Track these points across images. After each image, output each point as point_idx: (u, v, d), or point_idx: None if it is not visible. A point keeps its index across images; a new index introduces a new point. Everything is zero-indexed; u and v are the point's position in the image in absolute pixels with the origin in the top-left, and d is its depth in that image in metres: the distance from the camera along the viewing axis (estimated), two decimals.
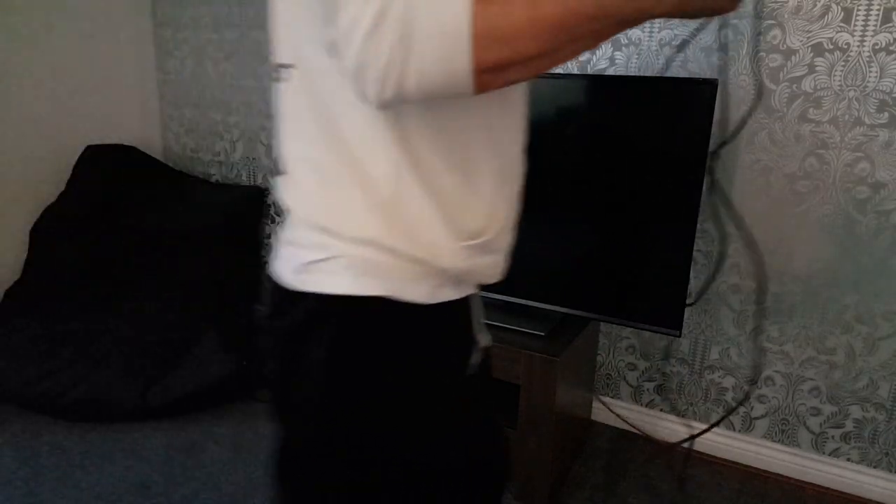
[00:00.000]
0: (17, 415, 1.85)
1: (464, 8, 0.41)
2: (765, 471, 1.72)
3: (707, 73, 1.57)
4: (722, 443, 1.77)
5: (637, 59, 1.65)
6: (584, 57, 1.71)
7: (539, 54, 0.45)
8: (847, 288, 1.55)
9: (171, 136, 2.62)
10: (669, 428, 1.83)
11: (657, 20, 1.59)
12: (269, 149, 2.37)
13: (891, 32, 1.39)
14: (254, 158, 2.41)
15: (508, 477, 0.70)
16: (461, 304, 0.59)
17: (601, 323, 1.79)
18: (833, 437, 1.64)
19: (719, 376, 1.74)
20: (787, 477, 1.70)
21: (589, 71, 1.71)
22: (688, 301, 1.71)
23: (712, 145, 1.57)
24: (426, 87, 0.43)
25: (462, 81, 0.43)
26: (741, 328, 1.69)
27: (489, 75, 0.44)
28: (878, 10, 1.38)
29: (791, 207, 1.56)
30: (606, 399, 1.92)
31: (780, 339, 1.65)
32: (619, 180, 1.45)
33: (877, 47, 1.40)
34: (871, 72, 1.42)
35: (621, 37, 1.65)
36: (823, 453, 1.66)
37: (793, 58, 1.48)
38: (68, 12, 2.25)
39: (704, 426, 1.78)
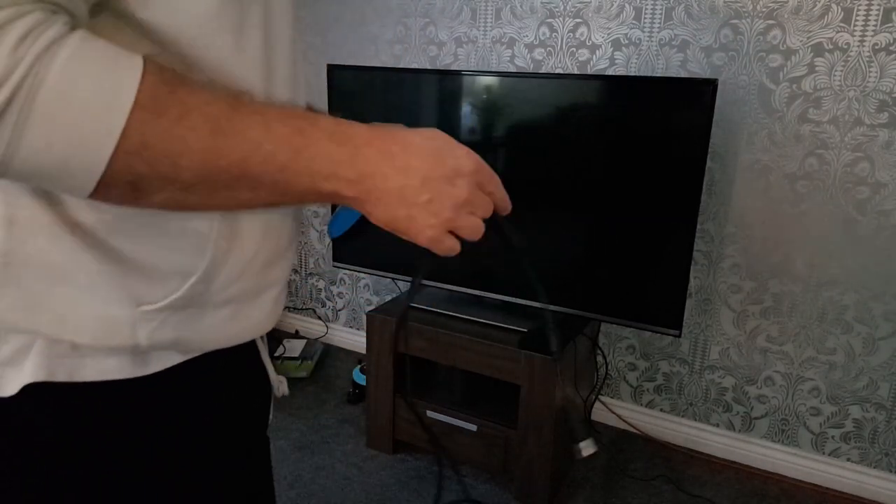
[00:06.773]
0: None
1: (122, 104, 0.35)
2: (765, 471, 1.72)
3: (707, 73, 1.57)
4: (722, 443, 1.77)
5: (637, 59, 1.65)
6: (584, 57, 1.71)
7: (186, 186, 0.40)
8: (847, 288, 1.55)
9: None
10: (669, 428, 1.83)
11: (657, 20, 1.59)
12: None
13: (891, 32, 1.39)
14: None
15: None
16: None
17: (601, 323, 1.79)
18: (833, 437, 1.64)
19: (719, 376, 1.74)
20: (787, 477, 1.70)
21: (589, 71, 1.71)
22: (687, 300, 1.71)
23: (712, 145, 1.57)
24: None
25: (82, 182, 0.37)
26: (741, 328, 1.69)
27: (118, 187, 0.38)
28: (878, 10, 1.38)
29: (791, 207, 1.56)
30: (606, 399, 1.92)
31: (780, 339, 1.65)
32: (620, 180, 1.45)
33: (877, 47, 1.40)
34: (871, 72, 1.42)
35: (621, 37, 1.65)
36: (823, 453, 1.66)
37: (793, 58, 1.48)
38: None
39: (704, 426, 1.78)
